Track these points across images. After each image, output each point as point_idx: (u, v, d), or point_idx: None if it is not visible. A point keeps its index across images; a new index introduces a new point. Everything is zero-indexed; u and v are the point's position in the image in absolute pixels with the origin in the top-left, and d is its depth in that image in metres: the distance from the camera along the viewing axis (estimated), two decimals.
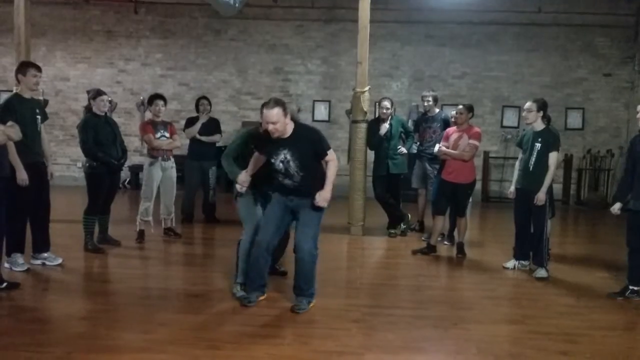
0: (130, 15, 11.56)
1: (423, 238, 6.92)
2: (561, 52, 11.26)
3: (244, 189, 4.44)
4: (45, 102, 9.65)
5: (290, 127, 4.16)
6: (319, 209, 4.29)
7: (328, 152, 4.27)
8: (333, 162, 4.29)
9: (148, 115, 6.94)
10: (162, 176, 6.51)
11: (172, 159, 6.65)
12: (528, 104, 5.56)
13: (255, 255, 4.34)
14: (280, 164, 4.17)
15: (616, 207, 4.97)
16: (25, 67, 5.17)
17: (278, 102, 4.08)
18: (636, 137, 4.94)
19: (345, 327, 4.04)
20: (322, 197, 4.20)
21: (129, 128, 11.23)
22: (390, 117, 7.17)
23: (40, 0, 10.68)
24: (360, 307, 4.48)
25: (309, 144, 4.21)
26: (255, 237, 4.44)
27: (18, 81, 5.11)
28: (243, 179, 4.40)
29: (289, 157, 4.14)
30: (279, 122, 4.05)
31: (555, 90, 11.15)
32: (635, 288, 4.85)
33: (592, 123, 11.29)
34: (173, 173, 6.66)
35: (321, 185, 4.21)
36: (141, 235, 6.50)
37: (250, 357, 3.45)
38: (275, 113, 4.02)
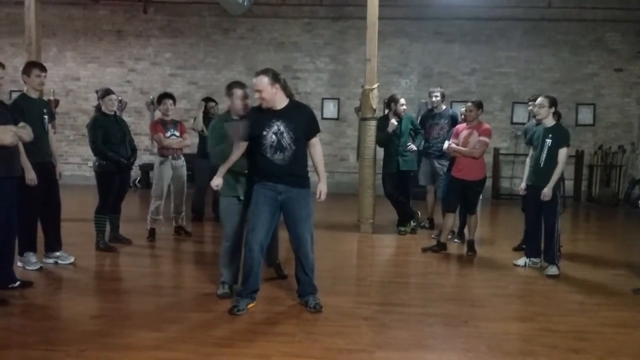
0: (139, 15, 11.62)
1: (433, 236, 6.91)
2: (571, 47, 11.19)
3: (219, 187, 4.41)
4: (56, 102, 9.75)
5: (282, 100, 4.12)
6: (310, 202, 4.25)
7: (318, 132, 4.28)
8: (319, 147, 4.30)
9: (158, 114, 6.98)
10: (172, 175, 6.55)
11: (183, 158, 6.69)
12: (540, 100, 5.54)
13: (249, 258, 4.16)
14: (273, 136, 4.05)
15: None
16: (29, 67, 5.20)
17: (266, 71, 4.07)
18: None
19: (356, 324, 4.04)
20: (324, 192, 4.27)
21: (139, 127, 11.31)
22: None
23: (50, 1, 10.77)
24: (371, 305, 4.47)
25: (304, 118, 4.18)
26: (237, 239, 4.48)
27: (24, 82, 5.16)
28: (216, 182, 4.36)
29: (282, 128, 4.05)
30: (265, 91, 4.01)
31: (565, 86, 11.09)
32: None
33: (603, 119, 11.22)
34: (183, 172, 6.69)
35: (307, 174, 4.23)
36: (152, 233, 6.54)
37: (261, 355, 3.46)
38: (261, 81, 4.01)
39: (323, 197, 4.26)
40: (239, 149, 4.26)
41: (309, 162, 4.24)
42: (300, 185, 4.18)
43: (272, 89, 4.03)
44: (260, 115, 4.13)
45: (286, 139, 4.07)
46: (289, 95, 4.17)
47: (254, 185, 4.25)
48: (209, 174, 7.47)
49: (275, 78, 4.04)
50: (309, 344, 3.65)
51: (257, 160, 4.19)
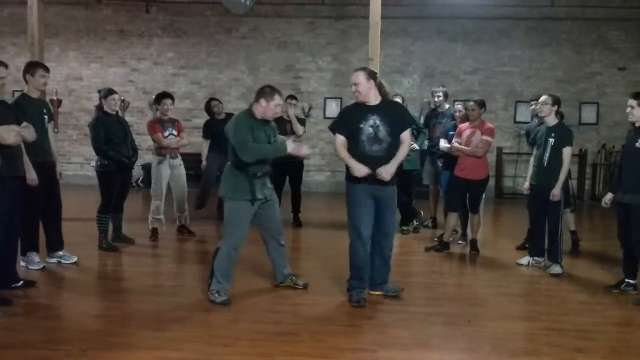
0: (142, 15, 11.63)
1: (435, 239, 6.82)
2: (574, 46, 11.15)
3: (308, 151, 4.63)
4: (59, 101, 9.75)
5: (376, 97, 4.35)
6: (395, 198, 4.52)
7: (408, 128, 4.47)
8: (406, 143, 4.46)
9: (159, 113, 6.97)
10: (170, 174, 6.56)
11: (180, 157, 6.69)
12: (544, 97, 5.55)
13: (362, 253, 4.41)
14: (370, 129, 4.29)
15: (607, 198, 5.03)
16: (33, 67, 5.20)
17: (364, 68, 4.42)
18: (629, 131, 4.96)
19: (359, 324, 4.04)
20: (386, 170, 4.30)
21: (142, 127, 11.22)
22: None
23: (52, 1, 10.77)
24: (374, 304, 4.46)
25: (397, 112, 4.47)
26: (238, 246, 4.45)
27: (26, 81, 5.15)
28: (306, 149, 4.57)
29: (378, 122, 4.29)
30: (361, 84, 4.27)
31: (569, 85, 11.06)
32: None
33: (606, 118, 11.18)
34: (182, 170, 6.70)
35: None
36: (154, 233, 6.54)
37: (264, 355, 3.46)
38: (357, 75, 4.30)
39: (383, 173, 4.29)
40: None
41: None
42: (391, 183, 4.39)
43: (367, 84, 4.29)
44: (357, 110, 4.38)
45: (382, 132, 4.30)
46: (383, 95, 4.40)
47: (349, 184, 4.39)
48: (218, 166, 7.51)
49: (371, 75, 4.34)
50: (312, 344, 3.65)
51: (355, 156, 4.32)
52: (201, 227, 7.34)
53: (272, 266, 4.83)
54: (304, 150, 4.51)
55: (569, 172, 5.59)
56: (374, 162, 4.27)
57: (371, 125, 4.29)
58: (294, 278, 4.82)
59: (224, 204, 4.50)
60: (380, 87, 4.37)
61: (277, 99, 4.42)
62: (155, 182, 6.54)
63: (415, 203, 7.45)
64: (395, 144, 4.37)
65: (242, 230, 4.44)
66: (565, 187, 5.59)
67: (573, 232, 6.28)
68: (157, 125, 6.53)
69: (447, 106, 7.38)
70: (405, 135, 4.44)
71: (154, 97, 7.59)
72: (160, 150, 6.51)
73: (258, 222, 4.59)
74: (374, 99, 4.34)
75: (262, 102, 4.40)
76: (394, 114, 4.39)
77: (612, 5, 10.72)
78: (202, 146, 7.69)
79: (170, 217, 6.81)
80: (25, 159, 4.70)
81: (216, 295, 4.37)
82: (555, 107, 5.49)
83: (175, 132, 6.58)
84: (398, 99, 7.07)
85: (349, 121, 4.38)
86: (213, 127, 7.60)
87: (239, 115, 4.55)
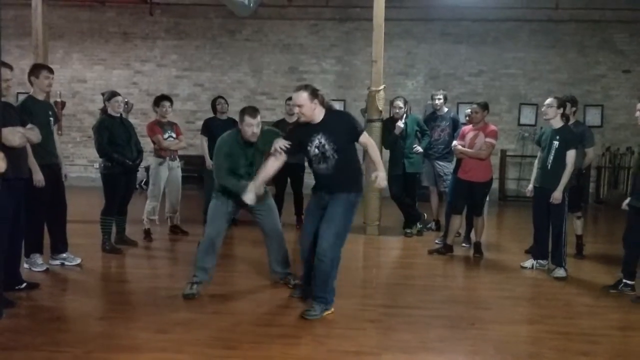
0: (145, 17, 11.65)
1: (437, 241, 6.78)
2: (579, 48, 11.13)
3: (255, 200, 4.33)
4: (63, 104, 9.78)
5: (320, 113, 4.15)
6: (347, 205, 4.16)
7: (362, 133, 4.20)
8: (370, 144, 4.25)
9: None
10: (168, 175, 6.65)
11: (178, 159, 6.81)
12: (549, 100, 5.53)
13: (302, 257, 4.44)
14: (316, 149, 4.15)
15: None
16: (37, 69, 5.23)
17: (306, 87, 4.16)
18: None
19: (362, 327, 4.03)
20: (380, 177, 4.17)
21: (145, 129, 11.31)
22: (405, 116, 7.12)
23: (57, 3, 10.81)
24: (377, 307, 4.46)
25: (342, 126, 4.19)
26: (214, 237, 4.61)
27: (31, 83, 5.17)
28: (251, 197, 4.26)
29: (323, 140, 4.12)
30: (305, 106, 4.09)
31: (573, 87, 10.98)
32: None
33: (611, 120, 11.15)
34: (179, 172, 6.85)
35: (357, 179, 4.27)
36: (148, 234, 6.59)
37: (267, 357, 3.45)
38: (300, 96, 4.09)
39: (380, 181, 4.17)
40: (273, 164, 4.31)
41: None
42: (342, 190, 4.20)
43: (311, 104, 4.10)
44: (303, 132, 4.22)
45: (328, 150, 4.13)
46: (327, 107, 4.23)
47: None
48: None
49: (314, 93, 4.12)
50: (315, 347, 3.64)
51: (312, 171, 4.33)
52: (197, 229, 7.26)
53: (269, 263, 4.94)
54: (248, 199, 4.27)
55: (588, 176, 5.55)
56: (324, 179, 4.22)
57: (316, 145, 4.13)
58: (288, 277, 4.92)
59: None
60: (322, 102, 4.18)
61: (247, 120, 4.46)
62: (154, 183, 6.64)
63: (418, 205, 7.43)
64: (343, 160, 4.14)
65: (215, 224, 4.63)
66: (579, 191, 5.57)
67: (579, 236, 6.27)
68: (157, 127, 6.65)
69: (446, 109, 7.39)
70: (363, 140, 4.20)
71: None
72: (160, 152, 6.62)
73: (258, 223, 4.79)
74: (317, 116, 4.14)
75: (239, 124, 4.55)
76: (339, 129, 4.14)
77: (617, 8, 10.69)
78: (202, 145, 7.48)
79: (162, 217, 6.90)
80: (32, 160, 4.72)
81: (187, 287, 4.61)
82: (561, 110, 5.47)
83: (174, 135, 6.69)
84: (401, 102, 7.09)
85: (296, 141, 4.24)
86: (212, 126, 7.53)
87: (225, 136, 4.66)
